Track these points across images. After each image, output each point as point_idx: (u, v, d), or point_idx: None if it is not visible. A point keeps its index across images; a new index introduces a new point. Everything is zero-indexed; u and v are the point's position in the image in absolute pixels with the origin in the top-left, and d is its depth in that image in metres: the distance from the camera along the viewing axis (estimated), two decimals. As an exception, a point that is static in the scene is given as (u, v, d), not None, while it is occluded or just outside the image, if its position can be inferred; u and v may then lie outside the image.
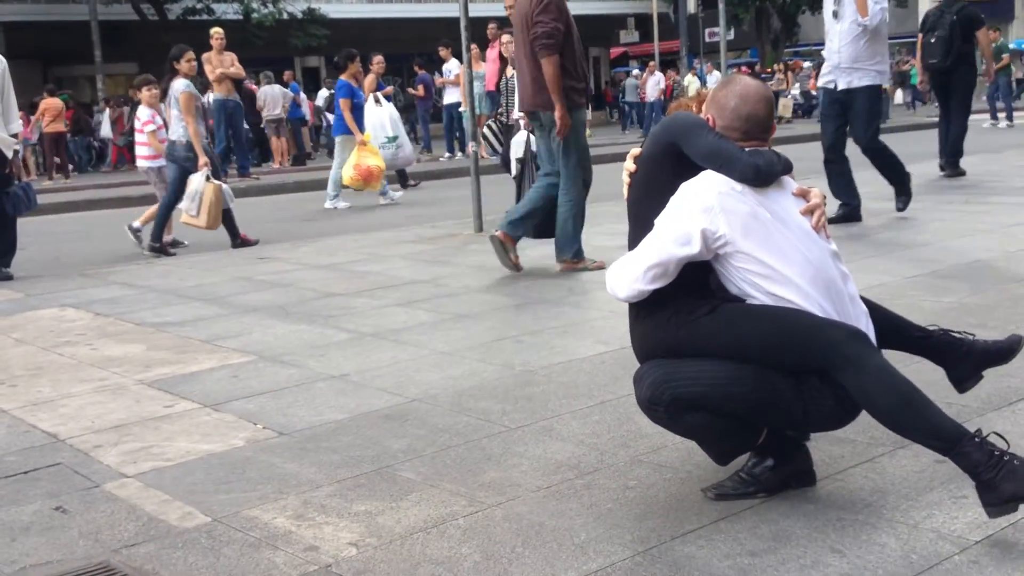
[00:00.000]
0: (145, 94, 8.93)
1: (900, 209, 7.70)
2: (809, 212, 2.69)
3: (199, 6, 26.22)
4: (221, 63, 14.98)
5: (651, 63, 27.65)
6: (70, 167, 20.99)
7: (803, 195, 2.73)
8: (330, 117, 21.43)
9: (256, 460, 3.24)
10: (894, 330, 2.91)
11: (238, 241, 8.60)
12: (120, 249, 8.80)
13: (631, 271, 2.65)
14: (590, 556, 2.42)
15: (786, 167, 2.72)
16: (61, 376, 4.38)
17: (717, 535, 2.49)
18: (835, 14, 7.52)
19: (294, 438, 3.43)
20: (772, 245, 2.60)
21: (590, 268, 6.13)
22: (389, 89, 14.62)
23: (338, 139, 11.48)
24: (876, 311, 2.88)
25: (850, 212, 7.51)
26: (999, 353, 2.90)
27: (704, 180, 2.64)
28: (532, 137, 6.54)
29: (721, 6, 18.12)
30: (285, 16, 27.01)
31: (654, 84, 25.28)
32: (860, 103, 7.50)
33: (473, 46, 9.16)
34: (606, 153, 17.90)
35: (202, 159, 8.35)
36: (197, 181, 8.30)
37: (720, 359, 2.59)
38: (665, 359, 2.64)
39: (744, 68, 35.11)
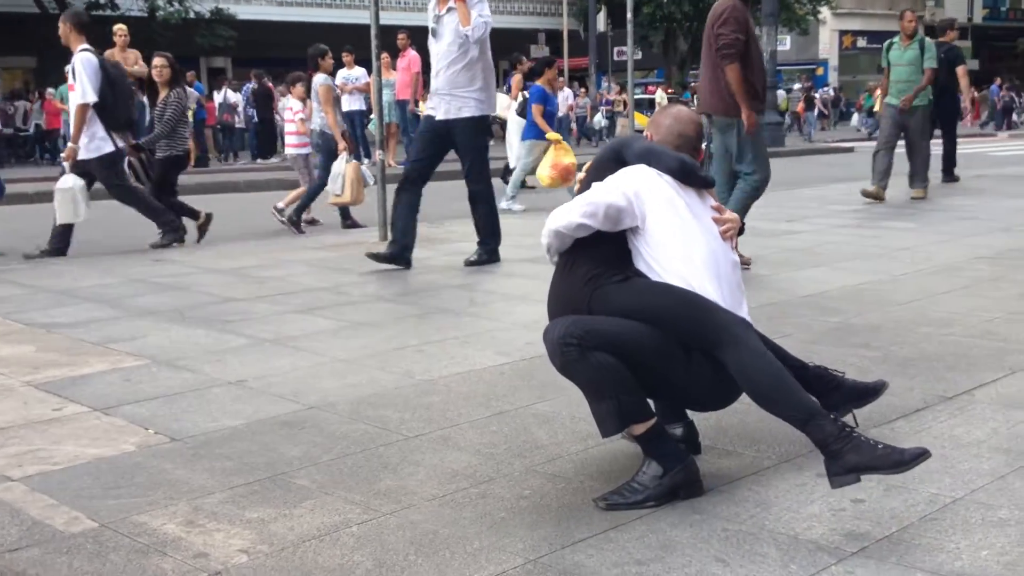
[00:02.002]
0: (297, 89, 10.54)
1: (471, 263, 6.87)
2: (721, 222, 3.07)
3: (103, 1, 25.58)
4: (124, 61, 14.59)
5: (560, 79, 27.91)
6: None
7: (719, 210, 3.11)
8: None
9: (146, 465, 3.19)
10: (774, 354, 3.08)
11: (348, 222, 9.80)
12: (8, 246, 8.54)
13: (568, 209, 2.98)
14: (482, 564, 2.45)
15: (707, 180, 3.14)
16: (-56, 376, 4.24)
17: (607, 544, 2.55)
18: (434, 32, 6.76)
19: (187, 444, 3.38)
20: (681, 230, 2.96)
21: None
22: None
23: (526, 143, 11.57)
24: (760, 338, 3.08)
25: (400, 252, 6.77)
26: (865, 392, 3.22)
27: (637, 167, 3.08)
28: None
29: (629, 27, 18.42)
30: (192, 15, 26.54)
31: (563, 99, 25.49)
32: (459, 138, 6.77)
33: (384, 54, 9.14)
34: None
35: (341, 144, 9.45)
36: (338, 164, 9.25)
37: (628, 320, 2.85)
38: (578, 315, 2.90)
39: (650, 87, 35.74)
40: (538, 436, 3.38)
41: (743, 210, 6.53)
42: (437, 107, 6.77)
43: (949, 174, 12.52)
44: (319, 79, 9.86)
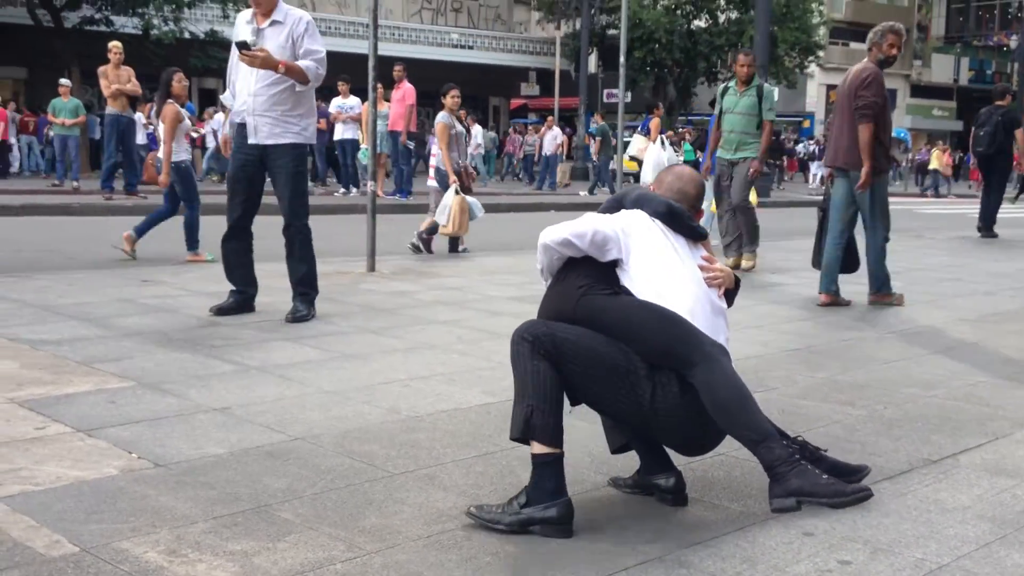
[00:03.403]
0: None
1: (291, 317, 6.09)
2: (708, 270, 3.16)
3: (97, 16, 25.58)
4: (118, 78, 14.65)
5: (550, 117, 28.12)
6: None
7: (709, 260, 3.20)
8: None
9: (129, 491, 3.15)
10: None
11: (460, 248, 10.25)
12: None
13: (563, 228, 3.11)
14: (467, 609, 2.43)
15: (695, 230, 3.23)
16: (-75, 389, 4.19)
17: (593, 594, 2.53)
18: (251, 46, 5.93)
19: (171, 470, 3.35)
20: (664, 270, 3.06)
21: (894, 303, 7.30)
22: None
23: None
24: None
25: (245, 301, 6.32)
26: (846, 471, 3.20)
27: (632, 211, 3.23)
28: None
29: (621, 71, 18.60)
30: (187, 35, 26.57)
31: (551, 139, 25.66)
32: (279, 164, 6.12)
33: (378, 85, 9.18)
34: (503, 203, 18.11)
35: (451, 177, 9.92)
36: (447, 196, 9.88)
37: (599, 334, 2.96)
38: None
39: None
40: (524, 479, 3.35)
41: (883, 265, 7.30)
42: (254, 131, 6.06)
43: (988, 230, 13.34)
44: (439, 117, 10.32)
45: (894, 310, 7.14)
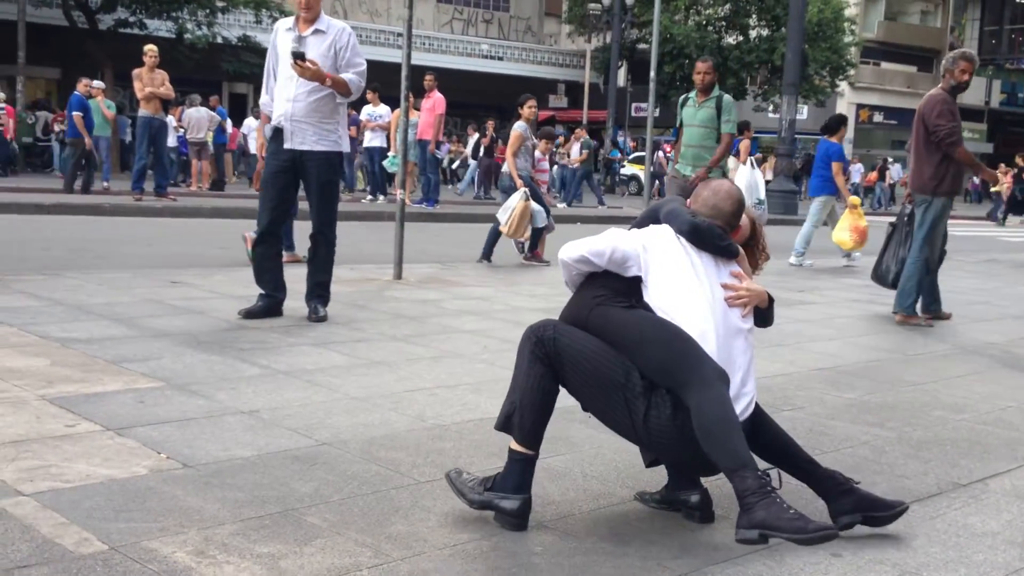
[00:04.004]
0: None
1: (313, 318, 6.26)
2: (732, 288, 3.13)
3: (132, 19, 25.84)
4: (152, 81, 14.79)
5: (578, 129, 28.12)
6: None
7: (738, 277, 3.16)
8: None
9: (158, 490, 3.17)
10: (783, 449, 3.16)
11: (529, 255, 10.31)
12: (25, 256, 8.57)
13: (580, 244, 3.16)
14: (493, 619, 2.43)
15: (724, 248, 3.19)
16: (-42, 383, 4.24)
17: (619, 609, 2.52)
18: (297, 55, 5.97)
19: (199, 471, 3.37)
20: (683, 290, 3.05)
21: (922, 324, 7.39)
22: None
23: (818, 199, 11.93)
24: (770, 429, 3.18)
25: (274, 305, 6.33)
26: (879, 505, 3.07)
27: (661, 227, 3.23)
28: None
29: (652, 85, 18.62)
30: (219, 40, 26.79)
31: (576, 152, 25.63)
32: (313, 171, 6.21)
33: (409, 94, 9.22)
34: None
35: (519, 183, 10.09)
36: (513, 198, 9.98)
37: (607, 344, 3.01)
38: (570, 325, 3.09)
39: (665, 144, 35.94)
40: (549, 491, 3.37)
41: (916, 284, 7.36)
42: (291, 136, 6.13)
43: None
44: (517, 126, 10.44)
45: (921, 331, 7.10)
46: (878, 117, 46.70)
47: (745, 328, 3.15)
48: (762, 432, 3.13)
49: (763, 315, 3.28)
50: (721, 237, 3.21)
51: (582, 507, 3.26)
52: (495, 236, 10.24)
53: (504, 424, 3.08)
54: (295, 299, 6.54)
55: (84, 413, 3.93)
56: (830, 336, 6.76)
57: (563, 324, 3.09)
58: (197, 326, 5.79)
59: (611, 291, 3.12)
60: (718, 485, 3.34)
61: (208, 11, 26.06)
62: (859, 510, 3.05)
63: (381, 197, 18.37)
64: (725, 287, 3.14)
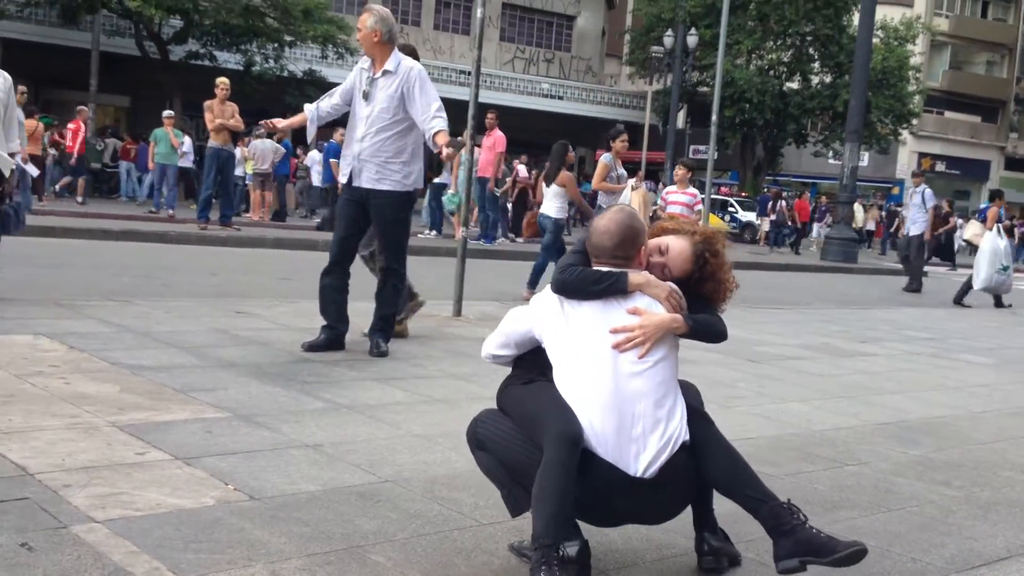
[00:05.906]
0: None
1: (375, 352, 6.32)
2: (623, 330, 2.99)
3: (202, 51, 26.43)
4: (222, 113, 15.10)
5: (640, 172, 28.18)
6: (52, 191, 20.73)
7: (635, 313, 3.02)
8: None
9: (226, 522, 3.22)
10: (729, 480, 2.97)
11: None
12: (95, 282, 8.75)
13: (488, 341, 3.32)
14: (558, 668, 2.43)
15: (612, 289, 3.01)
16: (33, 407, 4.33)
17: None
18: (365, 95, 6.31)
19: (265, 504, 3.41)
20: (563, 351, 3.05)
21: None
22: None
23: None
24: (728, 455, 2.99)
25: (336, 337, 6.38)
26: (823, 549, 2.78)
27: (545, 292, 3.18)
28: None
29: (713, 128, 18.63)
30: (286, 74, 27.29)
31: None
32: (378, 210, 6.32)
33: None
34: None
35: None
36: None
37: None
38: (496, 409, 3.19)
39: (722, 188, 35.92)
40: (612, 539, 3.36)
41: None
42: (358, 174, 6.27)
43: None
44: (604, 158, 10.79)
45: (986, 389, 6.97)
46: (940, 166, 46.20)
47: (645, 367, 2.96)
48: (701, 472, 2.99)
49: (699, 334, 3.09)
50: (596, 281, 3.01)
51: (645, 556, 3.24)
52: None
53: (511, 509, 3.14)
54: (357, 334, 6.61)
55: (154, 441, 4.00)
56: (892, 389, 6.67)
57: (489, 412, 3.18)
58: (262, 357, 5.87)
59: (522, 367, 3.21)
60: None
61: (276, 44, 26.58)
62: (798, 554, 2.79)
63: (432, 233, 18.51)
64: (614, 331, 2.99)
